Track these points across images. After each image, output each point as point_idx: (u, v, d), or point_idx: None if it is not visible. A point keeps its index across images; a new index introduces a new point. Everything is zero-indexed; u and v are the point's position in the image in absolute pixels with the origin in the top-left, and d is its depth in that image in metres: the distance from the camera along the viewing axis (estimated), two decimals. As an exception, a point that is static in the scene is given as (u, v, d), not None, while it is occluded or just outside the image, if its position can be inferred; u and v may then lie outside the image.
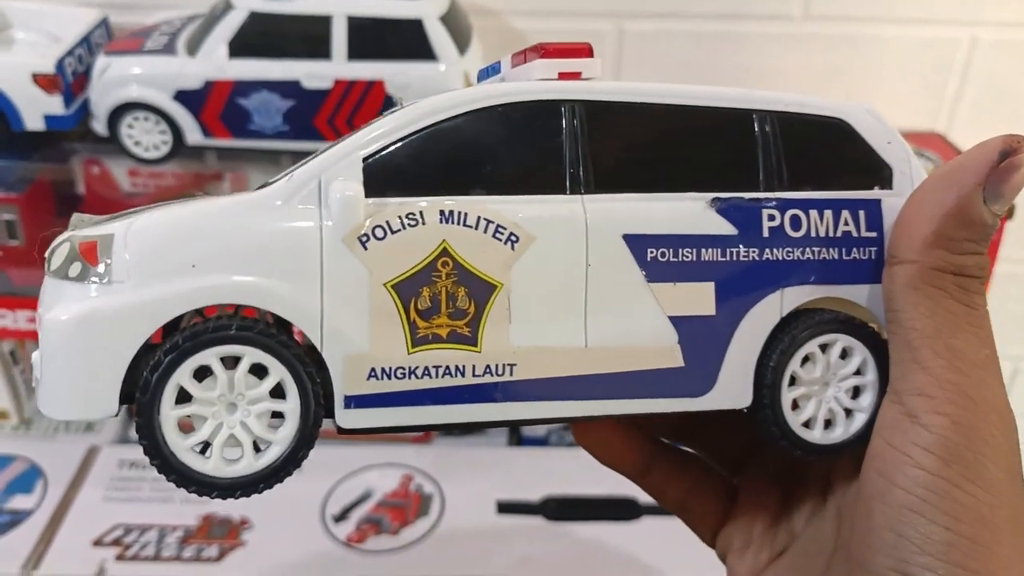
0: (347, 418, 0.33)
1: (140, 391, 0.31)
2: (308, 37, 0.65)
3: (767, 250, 0.35)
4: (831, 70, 0.83)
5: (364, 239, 0.32)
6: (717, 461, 0.44)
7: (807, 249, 0.36)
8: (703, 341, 0.35)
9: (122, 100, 0.67)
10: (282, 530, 0.73)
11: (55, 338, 0.31)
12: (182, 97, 0.67)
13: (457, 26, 0.67)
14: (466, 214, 0.33)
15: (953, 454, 0.28)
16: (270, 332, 0.32)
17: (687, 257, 0.35)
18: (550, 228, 0.33)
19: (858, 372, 0.36)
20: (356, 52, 0.66)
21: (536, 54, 0.35)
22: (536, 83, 0.35)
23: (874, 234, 0.36)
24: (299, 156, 0.71)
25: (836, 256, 0.36)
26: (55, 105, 0.69)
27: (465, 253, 0.32)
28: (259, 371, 0.32)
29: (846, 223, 0.36)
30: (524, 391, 0.33)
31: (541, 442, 0.86)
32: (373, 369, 0.32)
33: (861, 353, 0.36)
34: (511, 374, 0.33)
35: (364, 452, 0.80)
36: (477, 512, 0.75)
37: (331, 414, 0.33)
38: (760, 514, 0.41)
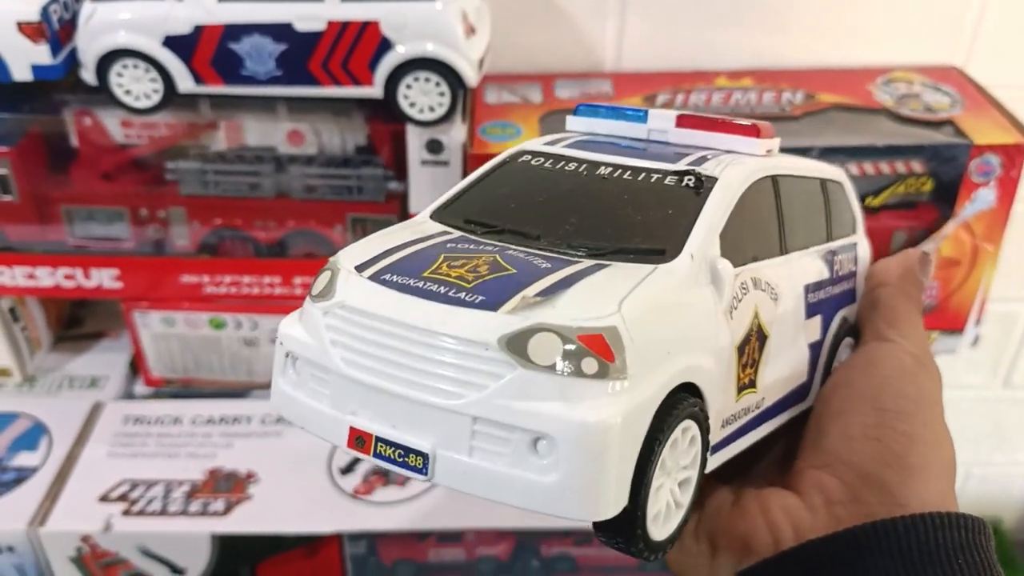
0: (710, 465, 0.37)
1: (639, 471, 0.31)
2: (299, -23, 0.63)
3: (835, 286, 0.46)
4: (846, 3, 0.80)
5: (731, 310, 0.36)
6: None
7: (844, 282, 0.47)
8: (813, 359, 0.45)
9: (110, 47, 0.65)
10: (288, 484, 0.72)
11: (599, 439, 0.30)
12: (172, 43, 0.65)
13: (453, -38, 0.65)
14: (760, 280, 0.39)
15: (920, 363, 0.42)
16: (703, 406, 0.35)
17: (817, 298, 0.44)
18: (786, 285, 0.41)
19: None
20: (349, -8, 0.63)
21: (749, 132, 0.41)
22: (783, 159, 0.42)
23: (855, 268, 0.49)
24: (294, 102, 0.70)
25: (848, 286, 0.48)
26: (42, 54, 0.66)
27: (762, 313, 0.39)
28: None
29: (851, 262, 0.49)
30: (767, 415, 0.41)
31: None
32: (725, 419, 0.37)
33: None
34: (763, 404, 0.40)
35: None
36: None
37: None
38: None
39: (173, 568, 0.71)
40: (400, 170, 0.72)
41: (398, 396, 0.32)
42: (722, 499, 0.40)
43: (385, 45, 0.65)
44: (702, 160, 0.39)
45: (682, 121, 0.42)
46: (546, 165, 0.41)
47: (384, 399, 0.32)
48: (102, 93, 0.68)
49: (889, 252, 0.76)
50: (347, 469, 0.74)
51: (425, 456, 0.31)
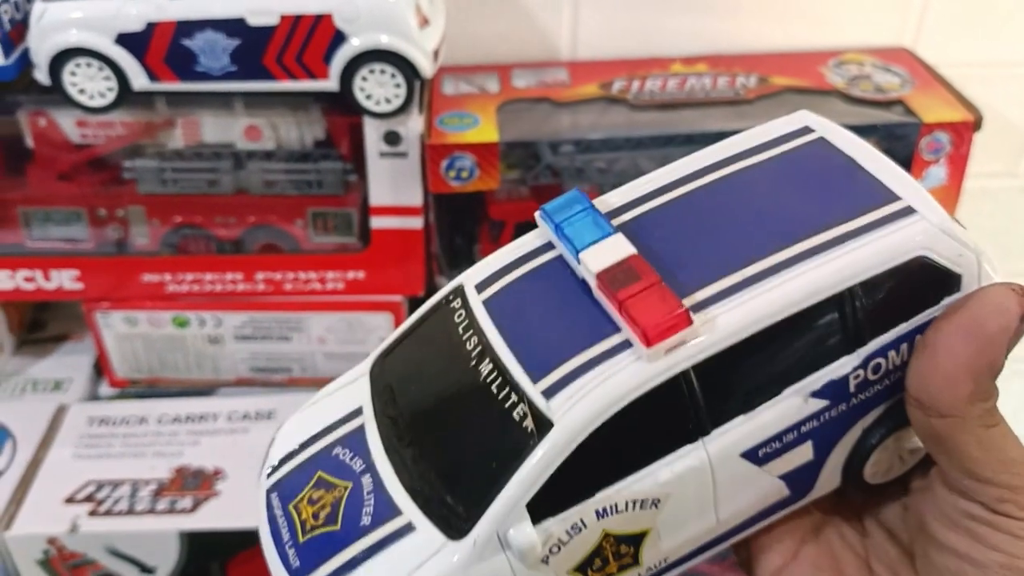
0: None
1: None
2: (250, -29, 0.63)
3: (853, 399, 0.37)
4: (795, -13, 0.81)
5: (545, 560, 0.34)
6: None
7: (885, 381, 0.37)
8: (806, 474, 0.38)
9: (62, 46, 0.65)
10: (256, 479, 0.72)
11: None
12: (124, 40, 0.65)
13: (406, -47, 0.65)
14: (616, 504, 0.34)
15: None
16: None
17: (791, 438, 0.36)
18: (682, 481, 0.35)
19: None
20: (301, -15, 0.63)
21: (639, 336, 0.32)
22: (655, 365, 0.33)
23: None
24: (251, 97, 0.70)
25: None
26: (-6, 55, 0.66)
27: (621, 528, 0.35)
28: None
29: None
30: (674, 567, 0.38)
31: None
32: None
33: None
34: (666, 564, 0.37)
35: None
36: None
37: None
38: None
39: (142, 567, 0.70)
40: (359, 163, 0.72)
41: None
42: None
43: (339, 38, 0.65)
44: (570, 378, 0.33)
45: (600, 283, 0.34)
46: (460, 325, 0.37)
47: None
48: (56, 93, 0.68)
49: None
50: (315, 463, 0.74)
51: None
